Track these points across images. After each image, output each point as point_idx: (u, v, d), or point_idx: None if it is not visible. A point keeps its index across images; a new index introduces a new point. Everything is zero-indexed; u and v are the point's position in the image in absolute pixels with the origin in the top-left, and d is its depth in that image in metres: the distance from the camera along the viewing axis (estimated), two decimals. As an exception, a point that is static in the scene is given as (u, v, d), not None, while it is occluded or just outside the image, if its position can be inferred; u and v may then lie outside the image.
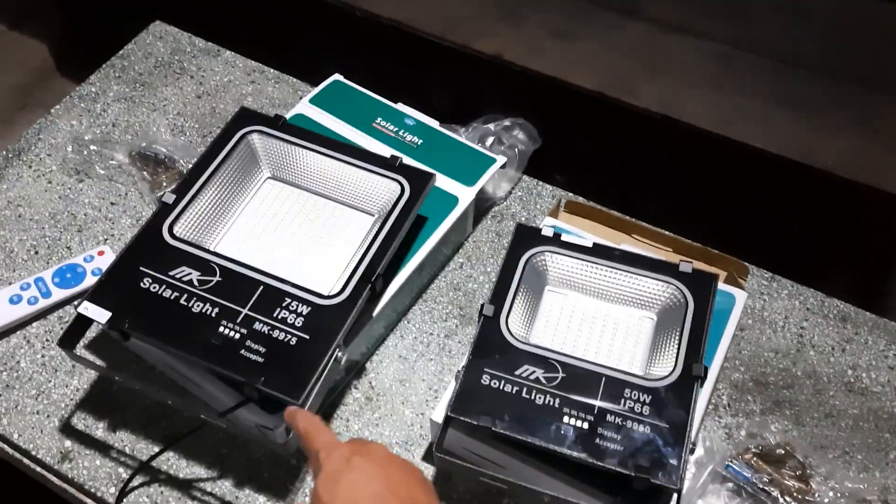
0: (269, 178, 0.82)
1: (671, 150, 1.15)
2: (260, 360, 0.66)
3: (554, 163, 0.98)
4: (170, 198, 0.76)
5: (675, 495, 0.62)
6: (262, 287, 0.70)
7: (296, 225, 0.79)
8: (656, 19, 1.25)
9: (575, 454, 0.63)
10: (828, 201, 1.06)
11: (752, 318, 0.83)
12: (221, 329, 0.68)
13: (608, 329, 0.75)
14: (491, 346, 0.69)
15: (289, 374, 0.65)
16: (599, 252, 0.76)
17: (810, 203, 1.05)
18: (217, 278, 0.71)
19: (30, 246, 0.88)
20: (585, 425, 0.64)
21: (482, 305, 0.72)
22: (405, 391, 0.78)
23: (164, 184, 0.91)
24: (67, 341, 0.70)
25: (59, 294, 0.83)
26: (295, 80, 1.03)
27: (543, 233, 0.77)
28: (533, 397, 0.66)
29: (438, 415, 0.69)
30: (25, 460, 0.76)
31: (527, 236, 0.77)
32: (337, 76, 0.93)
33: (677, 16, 1.21)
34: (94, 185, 0.92)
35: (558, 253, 0.76)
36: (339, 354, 0.68)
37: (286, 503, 0.71)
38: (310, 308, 0.69)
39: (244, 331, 0.68)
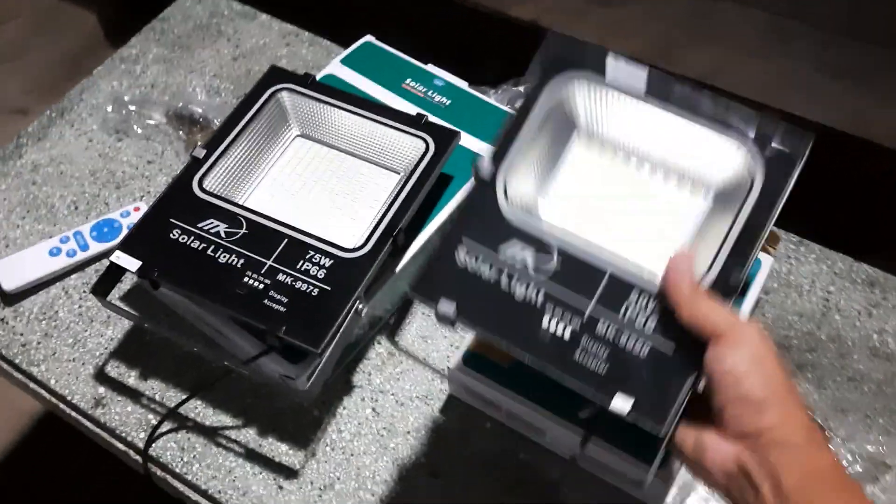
0: (298, 135, 0.83)
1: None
2: (282, 309, 0.68)
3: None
4: (200, 152, 0.77)
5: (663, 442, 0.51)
6: (286, 240, 0.72)
7: (323, 182, 0.80)
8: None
9: (545, 365, 0.52)
10: (871, 171, 1.04)
11: (778, 281, 0.81)
12: (246, 279, 0.69)
13: (641, 208, 0.59)
14: (478, 215, 0.57)
15: (310, 323, 0.67)
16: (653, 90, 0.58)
17: (854, 173, 1.03)
18: (243, 231, 0.72)
19: (70, 202, 0.91)
20: (567, 334, 0.53)
21: (475, 160, 0.58)
22: (427, 347, 0.79)
23: (199, 143, 0.93)
24: (100, 289, 0.72)
25: (96, 247, 0.85)
26: (329, 42, 1.04)
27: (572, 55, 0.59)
28: (512, 290, 0.54)
29: (456, 363, 0.70)
30: (61, 405, 0.79)
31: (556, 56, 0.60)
32: (368, 37, 0.94)
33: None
34: (133, 144, 0.95)
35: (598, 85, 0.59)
36: (360, 306, 0.69)
37: (307, 451, 0.73)
38: (332, 261, 0.70)
39: (268, 281, 0.69)
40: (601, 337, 0.52)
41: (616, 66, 0.59)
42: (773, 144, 0.56)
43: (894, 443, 0.70)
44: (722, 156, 0.57)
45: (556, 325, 0.53)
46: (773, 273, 0.81)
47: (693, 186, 0.59)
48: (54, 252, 0.85)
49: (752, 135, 0.56)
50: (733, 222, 0.54)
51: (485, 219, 0.56)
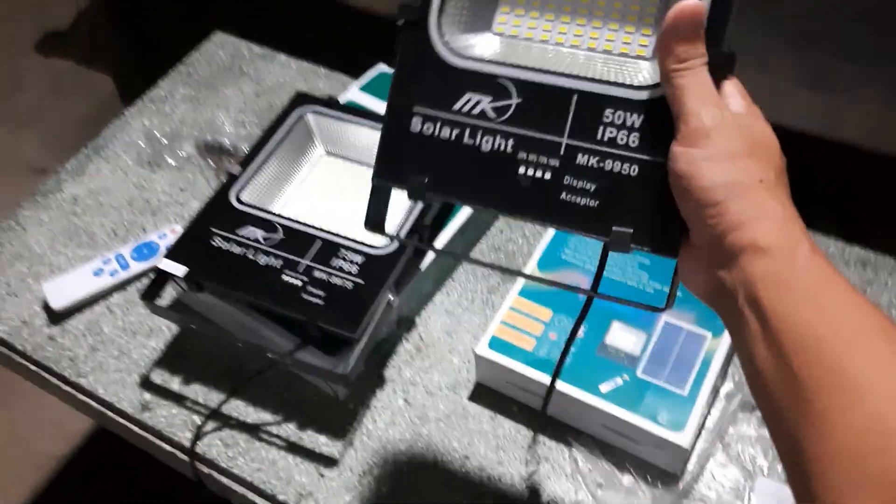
0: (324, 154, 0.90)
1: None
2: (320, 302, 0.73)
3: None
4: (236, 169, 0.84)
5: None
6: (320, 242, 0.78)
7: (349, 191, 0.86)
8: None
9: (532, 216, 0.49)
10: (849, 170, 1.11)
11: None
12: (284, 277, 0.75)
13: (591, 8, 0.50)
14: (420, 75, 0.51)
15: (345, 312, 0.72)
16: None
17: (833, 172, 1.10)
18: (280, 235, 0.78)
19: (109, 229, 0.97)
20: (548, 175, 0.48)
21: (402, 5, 0.51)
22: (452, 341, 0.84)
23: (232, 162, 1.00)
24: (149, 294, 0.78)
25: (136, 267, 0.91)
26: (344, 76, 1.11)
27: None
28: (478, 145, 0.49)
29: (482, 348, 0.75)
30: (109, 413, 0.84)
31: None
32: (381, 66, 1.01)
33: None
34: (166, 175, 1.02)
35: None
36: (392, 298, 0.74)
37: (345, 441, 0.78)
38: (364, 258, 0.76)
39: (305, 278, 0.75)
40: (584, 168, 0.47)
41: None
42: None
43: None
44: None
45: (533, 169, 0.48)
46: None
47: None
48: (98, 272, 0.90)
49: None
50: None
51: (428, 76, 0.50)
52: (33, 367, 0.87)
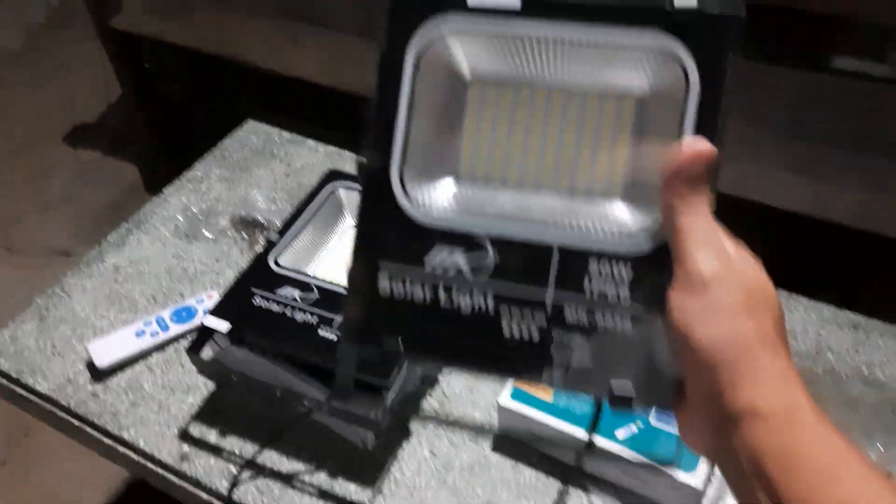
0: (352, 225, 0.98)
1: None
2: (354, 353, 0.79)
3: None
4: (274, 237, 0.91)
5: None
6: (353, 300, 0.84)
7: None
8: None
9: (525, 379, 0.47)
10: (834, 249, 1.19)
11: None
12: (321, 332, 0.81)
13: (568, 155, 0.46)
14: (384, 229, 0.47)
15: (378, 363, 0.78)
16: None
17: (822, 246, 1.18)
18: (315, 295, 0.85)
19: (149, 295, 1.04)
20: (535, 334, 0.45)
21: (359, 163, 0.48)
22: (473, 396, 0.90)
23: (262, 242, 1.07)
24: (195, 348, 0.84)
25: (175, 329, 0.97)
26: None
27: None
28: (456, 304, 0.45)
29: (504, 399, 0.81)
30: (149, 464, 0.88)
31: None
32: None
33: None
34: (202, 246, 1.09)
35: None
36: (420, 351, 0.81)
37: (374, 489, 0.82)
38: (394, 314, 0.82)
39: (339, 334, 0.81)
40: (575, 325, 0.44)
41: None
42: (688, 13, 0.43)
43: (893, 455, 0.80)
44: (637, 54, 0.45)
45: (519, 329, 0.45)
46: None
47: (618, 101, 0.46)
48: (139, 333, 0.96)
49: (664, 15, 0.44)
50: (682, 115, 0.43)
51: (394, 234, 0.46)
52: (77, 423, 0.92)
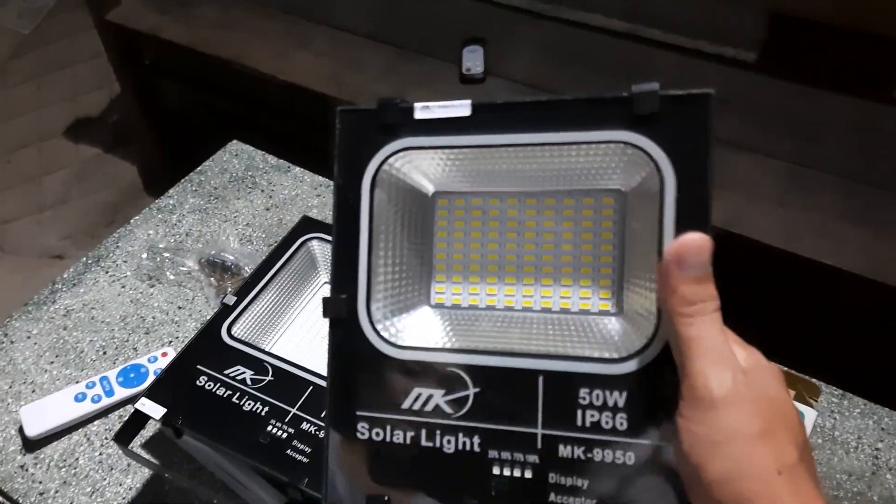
0: (326, 282, 0.84)
1: (735, 265, 1.14)
2: (305, 459, 0.66)
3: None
4: (231, 300, 0.78)
5: None
6: (311, 387, 0.71)
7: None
8: (720, 138, 1.27)
9: None
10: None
11: (823, 437, 0.78)
12: (270, 428, 0.68)
13: (544, 273, 0.43)
14: (356, 368, 0.43)
15: (333, 475, 0.65)
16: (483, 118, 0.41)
17: (881, 319, 1.01)
18: (269, 378, 0.72)
19: (99, 346, 0.91)
20: (528, 473, 0.40)
21: (325, 300, 0.43)
22: None
23: (229, 289, 0.94)
24: (123, 437, 0.71)
25: (121, 393, 0.85)
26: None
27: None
28: (441, 447, 0.41)
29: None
30: (74, 559, 0.76)
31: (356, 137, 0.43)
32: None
33: (741, 134, 1.22)
34: (164, 290, 0.96)
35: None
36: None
37: None
38: (358, 410, 0.69)
39: (292, 430, 0.68)
40: (570, 461, 0.39)
41: (427, 111, 0.42)
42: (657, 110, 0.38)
43: None
44: (602, 148, 0.40)
45: (509, 468, 0.40)
46: (816, 428, 0.79)
47: (596, 197, 0.42)
48: (79, 398, 0.84)
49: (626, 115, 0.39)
50: (661, 209, 0.37)
51: (367, 374, 0.42)
52: (0, 500, 0.80)
